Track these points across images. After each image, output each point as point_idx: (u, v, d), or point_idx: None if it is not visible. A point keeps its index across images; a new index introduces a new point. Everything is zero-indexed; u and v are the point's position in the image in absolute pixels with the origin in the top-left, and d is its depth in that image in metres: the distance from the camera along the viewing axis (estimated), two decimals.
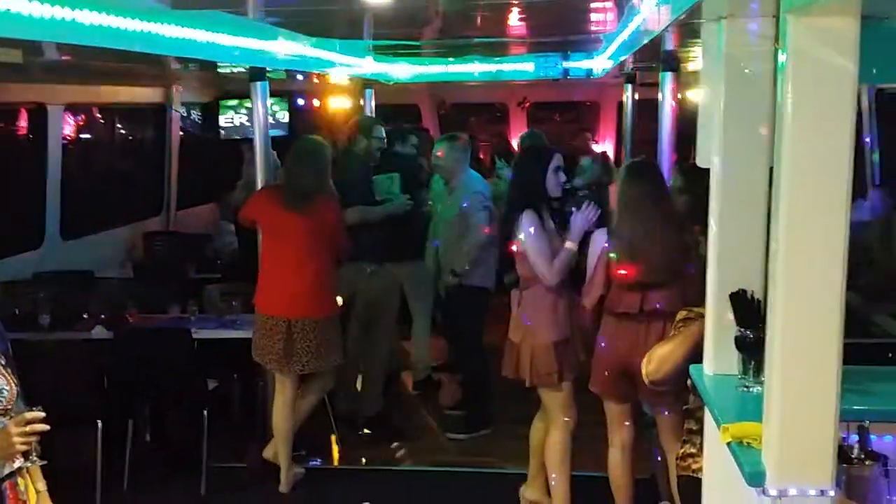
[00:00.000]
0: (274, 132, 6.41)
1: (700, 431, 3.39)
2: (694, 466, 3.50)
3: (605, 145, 11.14)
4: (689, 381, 3.45)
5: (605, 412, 4.61)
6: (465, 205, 6.20)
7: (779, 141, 2.34)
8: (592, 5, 4.36)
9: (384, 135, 6.47)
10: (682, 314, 3.72)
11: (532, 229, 4.59)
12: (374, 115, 8.03)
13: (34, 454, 2.90)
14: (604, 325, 4.52)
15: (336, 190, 5.63)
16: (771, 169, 2.55)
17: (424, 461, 5.85)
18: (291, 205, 5.20)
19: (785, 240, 2.33)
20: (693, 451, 3.52)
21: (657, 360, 3.66)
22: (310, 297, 5.19)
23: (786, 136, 2.30)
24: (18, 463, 2.83)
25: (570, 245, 4.62)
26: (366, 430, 6.14)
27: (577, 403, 4.76)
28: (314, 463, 5.74)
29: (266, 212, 5.33)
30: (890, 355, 4.28)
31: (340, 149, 6.41)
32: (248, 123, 8.89)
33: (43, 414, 2.74)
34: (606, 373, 4.49)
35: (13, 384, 2.86)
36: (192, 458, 5.41)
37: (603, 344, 4.51)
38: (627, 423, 4.58)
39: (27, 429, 2.71)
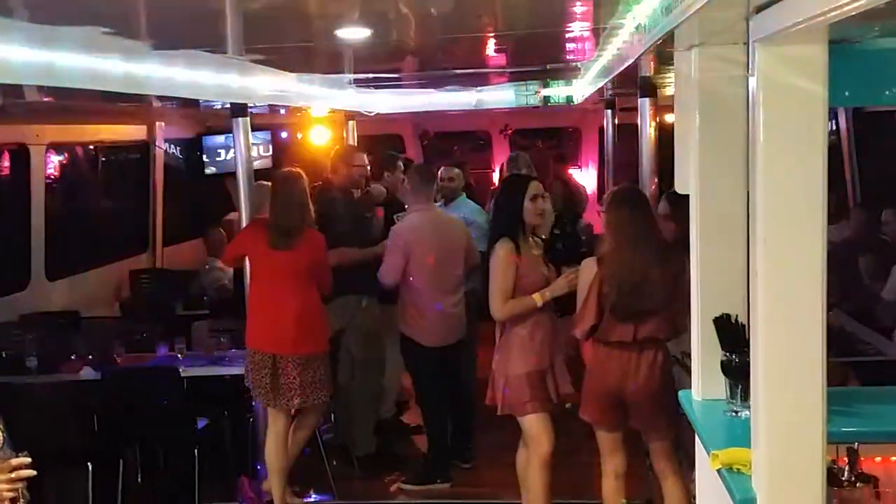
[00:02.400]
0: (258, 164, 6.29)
1: None
2: None
3: (588, 170, 11.21)
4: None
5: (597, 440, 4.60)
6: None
7: (753, 166, 2.37)
8: (569, 35, 4.40)
9: (366, 162, 6.32)
10: None
11: (498, 261, 4.60)
12: (356, 145, 8.01)
13: (22, 500, 2.87)
14: (595, 354, 4.49)
15: (320, 224, 5.49)
16: (749, 193, 2.57)
17: (420, 493, 5.78)
18: (275, 242, 5.16)
19: (763, 263, 2.35)
20: None
21: None
22: (294, 334, 5.13)
23: (759, 160, 2.32)
24: None
25: (536, 297, 4.60)
26: (357, 466, 6.04)
27: (554, 430, 4.73)
28: (308, 499, 5.69)
29: (251, 249, 5.30)
30: None
31: (322, 181, 6.23)
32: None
33: (29, 460, 2.73)
34: (598, 402, 4.47)
35: None
36: (184, 497, 5.37)
37: (594, 373, 4.49)
38: (620, 451, 4.55)
39: (13, 475, 2.69)
